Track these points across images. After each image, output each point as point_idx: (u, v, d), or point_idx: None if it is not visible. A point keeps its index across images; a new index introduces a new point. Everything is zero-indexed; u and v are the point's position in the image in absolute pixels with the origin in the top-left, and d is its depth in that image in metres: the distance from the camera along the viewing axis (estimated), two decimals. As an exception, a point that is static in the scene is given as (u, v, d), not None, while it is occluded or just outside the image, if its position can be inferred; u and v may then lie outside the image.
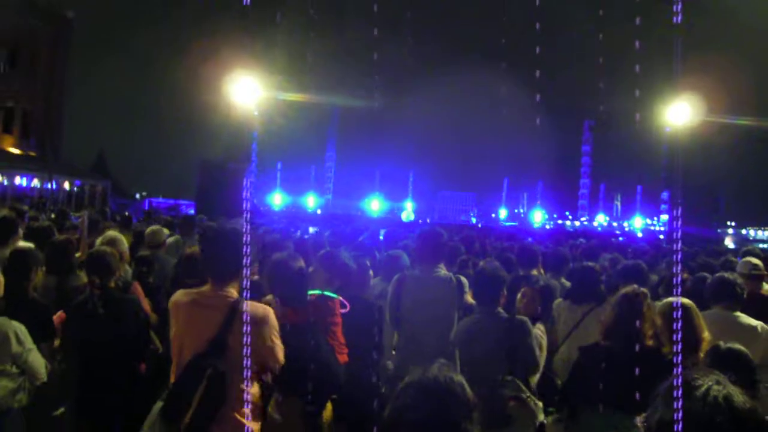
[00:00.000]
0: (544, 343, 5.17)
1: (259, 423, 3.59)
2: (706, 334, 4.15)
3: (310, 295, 4.31)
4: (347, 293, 4.79)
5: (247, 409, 3.48)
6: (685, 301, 4.32)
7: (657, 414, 1.60)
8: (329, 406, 4.22)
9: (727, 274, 5.27)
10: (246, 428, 3.46)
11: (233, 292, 3.56)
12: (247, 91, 20.49)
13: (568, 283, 6.60)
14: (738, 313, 4.94)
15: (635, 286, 4.39)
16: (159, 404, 3.55)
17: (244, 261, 3.57)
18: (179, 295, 3.67)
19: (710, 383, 1.55)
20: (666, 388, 1.64)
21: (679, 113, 21.03)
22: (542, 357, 5.15)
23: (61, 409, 5.29)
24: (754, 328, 4.80)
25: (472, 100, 44.64)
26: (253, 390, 3.53)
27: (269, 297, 4.32)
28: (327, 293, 4.47)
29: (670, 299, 4.28)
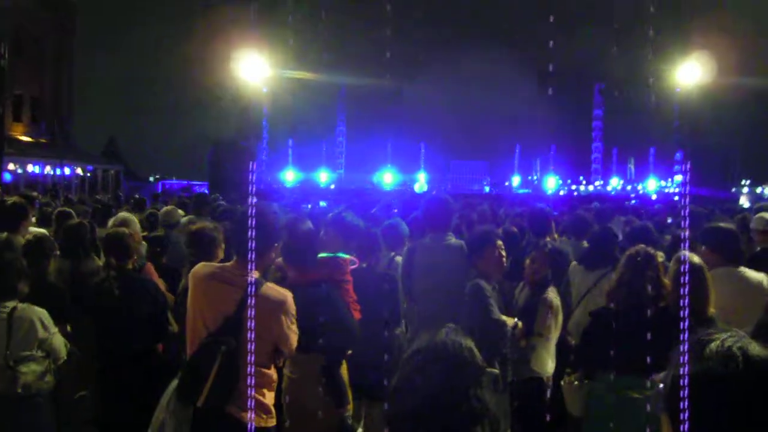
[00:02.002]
0: (558, 306, 5.18)
1: (273, 402, 3.61)
2: (712, 292, 4.12)
3: (321, 257, 4.36)
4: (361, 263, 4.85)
5: (265, 389, 3.51)
6: (695, 258, 4.28)
7: (671, 372, 1.59)
8: (344, 364, 4.27)
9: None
10: (264, 407, 3.50)
11: (256, 272, 3.52)
12: (256, 69, 20.48)
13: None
14: (742, 268, 4.84)
15: (642, 246, 4.38)
16: (174, 382, 3.58)
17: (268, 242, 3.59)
18: (200, 267, 3.68)
19: (724, 336, 1.54)
20: (682, 346, 1.63)
21: (690, 73, 20.86)
22: (558, 320, 5.18)
23: (83, 392, 5.39)
24: (760, 282, 4.74)
25: (481, 69, 44.26)
26: (269, 371, 3.55)
27: (279, 260, 4.36)
28: (338, 255, 4.51)
29: (678, 256, 4.25)
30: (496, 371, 4.66)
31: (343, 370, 4.27)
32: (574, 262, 5.90)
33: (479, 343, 3.68)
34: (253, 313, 3.32)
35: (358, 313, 4.36)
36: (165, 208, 8.35)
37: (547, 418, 4.81)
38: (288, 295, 3.55)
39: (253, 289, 3.40)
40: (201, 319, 3.50)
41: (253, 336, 3.28)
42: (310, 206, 10.91)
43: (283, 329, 3.48)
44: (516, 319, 4.97)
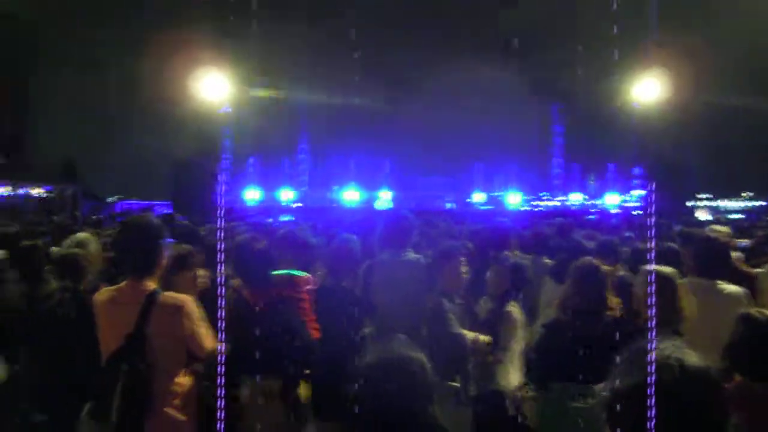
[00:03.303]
0: (520, 319, 5.21)
1: (193, 413, 3.56)
2: (685, 303, 4.15)
3: (276, 275, 4.32)
4: (328, 280, 4.85)
5: (179, 399, 3.48)
6: (667, 270, 4.29)
7: (615, 382, 1.62)
8: (304, 384, 4.23)
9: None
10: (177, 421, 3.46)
11: (150, 285, 3.54)
12: (217, 87, 20.37)
13: (550, 262, 6.68)
14: (719, 282, 4.84)
15: (588, 258, 4.46)
16: (88, 405, 3.57)
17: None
18: (99, 294, 3.68)
19: (662, 346, 1.57)
20: (624, 357, 1.66)
21: (648, 90, 21.22)
22: (521, 333, 5.20)
23: (39, 417, 5.24)
24: (739, 294, 4.73)
25: (444, 87, 44.59)
26: (182, 381, 3.52)
27: (236, 281, 4.32)
28: (293, 272, 4.49)
29: (647, 268, 4.28)
30: (457, 385, 4.67)
31: (303, 390, 4.22)
32: (546, 276, 5.98)
33: (439, 358, 3.68)
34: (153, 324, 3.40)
35: (317, 332, 4.32)
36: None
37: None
38: (187, 299, 3.55)
39: (153, 302, 3.44)
40: (109, 343, 3.48)
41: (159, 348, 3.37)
42: (271, 220, 10.84)
43: (189, 333, 3.48)
44: (476, 334, 4.98)
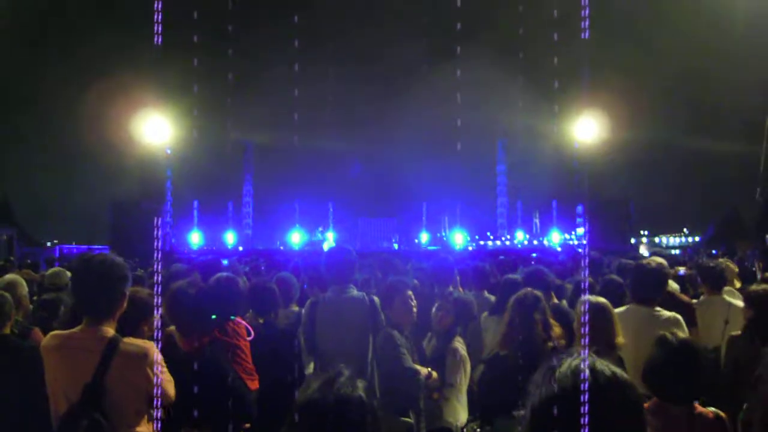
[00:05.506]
0: (465, 355, 5.16)
1: None
2: (620, 329, 4.23)
3: (213, 319, 4.18)
4: (256, 319, 4.73)
5: None
6: (601, 300, 4.36)
7: (530, 400, 1.63)
8: None
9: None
10: None
11: (108, 330, 3.29)
12: (158, 129, 20.17)
13: (492, 297, 6.67)
14: (656, 307, 4.97)
15: (527, 289, 4.46)
16: None
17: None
18: (48, 339, 3.39)
19: (571, 359, 1.62)
20: (537, 374, 1.70)
21: (587, 129, 21.75)
22: (466, 369, 5.15)
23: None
24: (676, 319, 4.84)
25: (386, 127, 44.94)
26: (143, 429, 3.30)
27: (172, 328, 4.16)
28: (232, 318, 4.35)
29: (583, 299, 4.31)
30: (410, 421, 4.59)
31: None
32: (485, 313, 5.96)
33: (393, 393, 3.58)
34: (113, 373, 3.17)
35: (256, 382, 4.18)
36: (51, 270, 7.96)
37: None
38: (150, 346, 3.31)
39: (114, 349, 3.20)
40: (61, 392, 3.23)
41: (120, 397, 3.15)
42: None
43: (152, 381, 3.24)
44: (429, 369, 4.93)
